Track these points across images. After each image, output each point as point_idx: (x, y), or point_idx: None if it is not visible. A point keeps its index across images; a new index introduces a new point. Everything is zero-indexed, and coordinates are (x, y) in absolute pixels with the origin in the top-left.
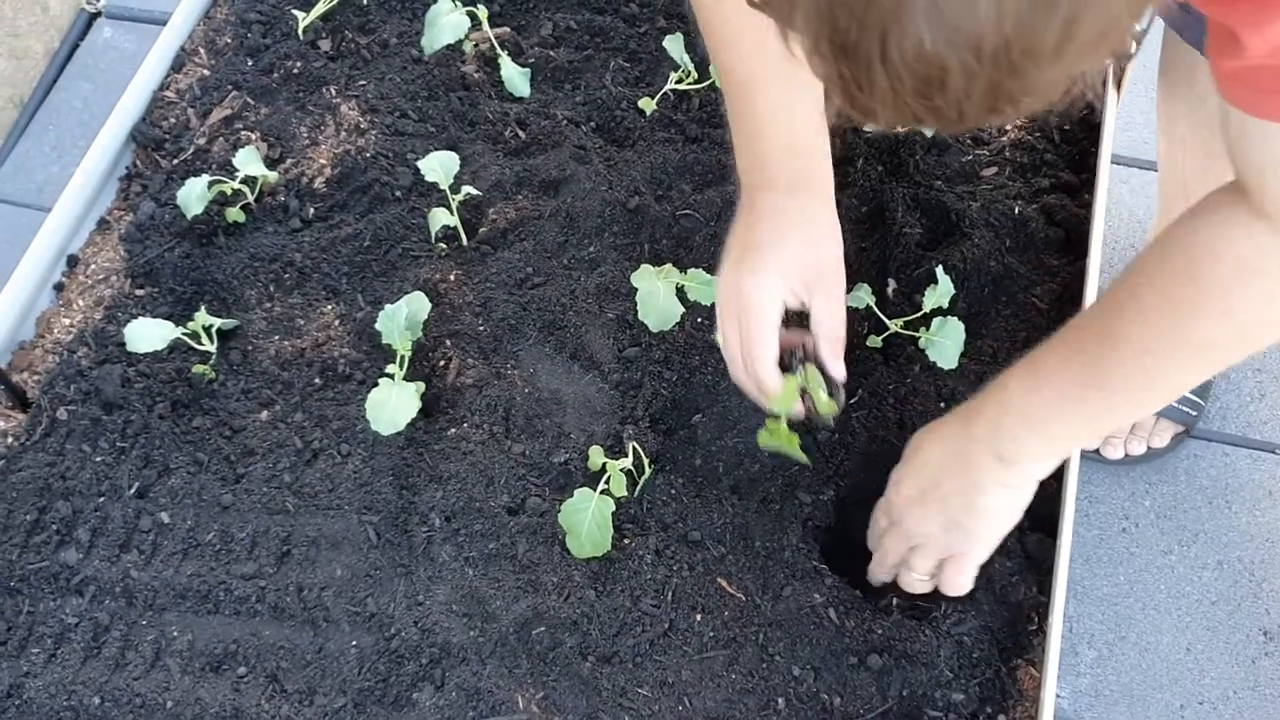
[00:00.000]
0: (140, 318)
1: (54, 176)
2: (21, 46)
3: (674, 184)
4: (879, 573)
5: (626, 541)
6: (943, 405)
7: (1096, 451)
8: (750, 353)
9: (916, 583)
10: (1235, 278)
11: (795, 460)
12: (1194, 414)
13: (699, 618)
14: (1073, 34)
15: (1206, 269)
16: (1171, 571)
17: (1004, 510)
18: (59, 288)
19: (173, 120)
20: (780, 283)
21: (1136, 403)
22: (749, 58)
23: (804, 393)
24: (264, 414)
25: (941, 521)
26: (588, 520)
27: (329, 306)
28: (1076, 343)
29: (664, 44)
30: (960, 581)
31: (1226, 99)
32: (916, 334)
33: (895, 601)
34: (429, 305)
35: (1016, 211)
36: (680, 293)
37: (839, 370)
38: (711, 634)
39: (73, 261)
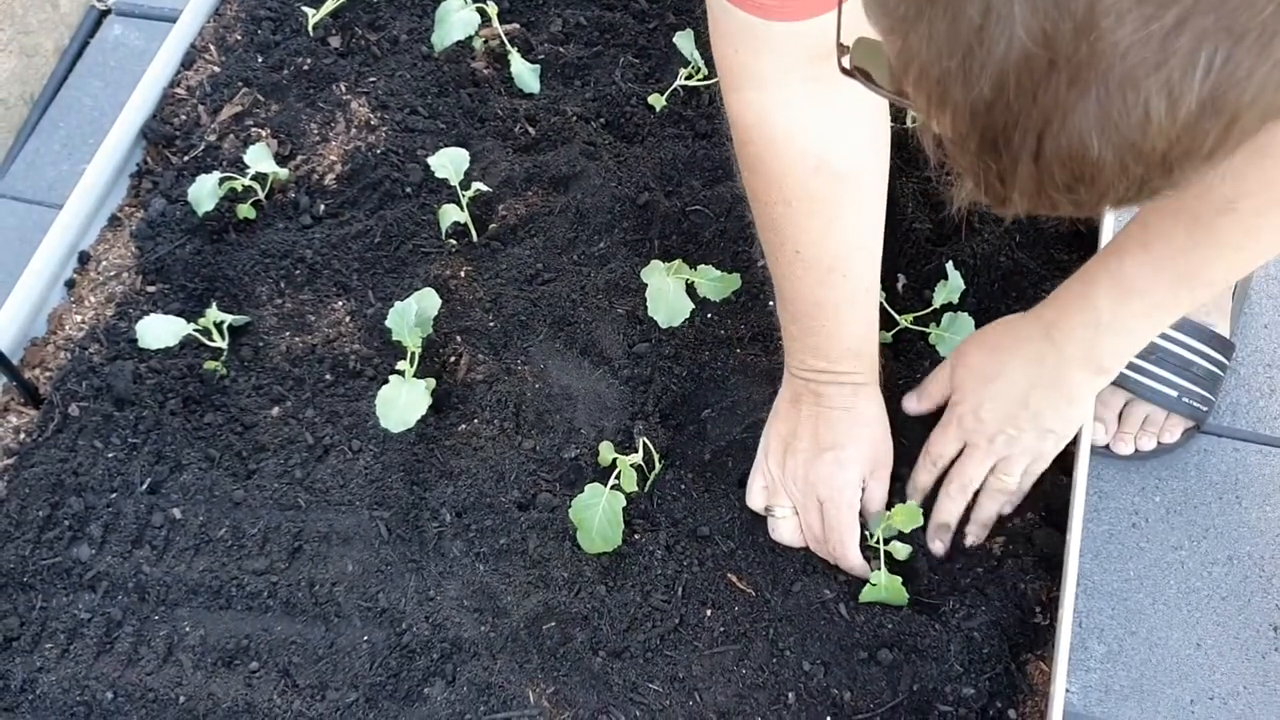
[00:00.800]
0: (152, 314)
1: (64, 174)
2: (32, 44)
3: (683, 180)
4: (952, 507)
5: (637, 537)
6: None
7: (1106, 447)
8: (842, 539)
9: (999, 495)
10: None
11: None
12: (1204, 409)
13: (709, 613)
14: (1230, 135)
15: None
16: (1182, 567)
17: (1090, 404)
18: (70, 284)
19: (183, 117)
20: (859, 475)
21: (1229, 281)
22: (824, 273)
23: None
24: (275, 410)
25: (1035, 433)
26: (598, 515)
27: (339, 303)
28: (1164, 249)
29: (674, 40)
30: (1042, 469)
31: None
32: (926, 329)
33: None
34: (439, 302)
35: None
36: (690, 289)
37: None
38: (722, 629)
39: (84, 258)
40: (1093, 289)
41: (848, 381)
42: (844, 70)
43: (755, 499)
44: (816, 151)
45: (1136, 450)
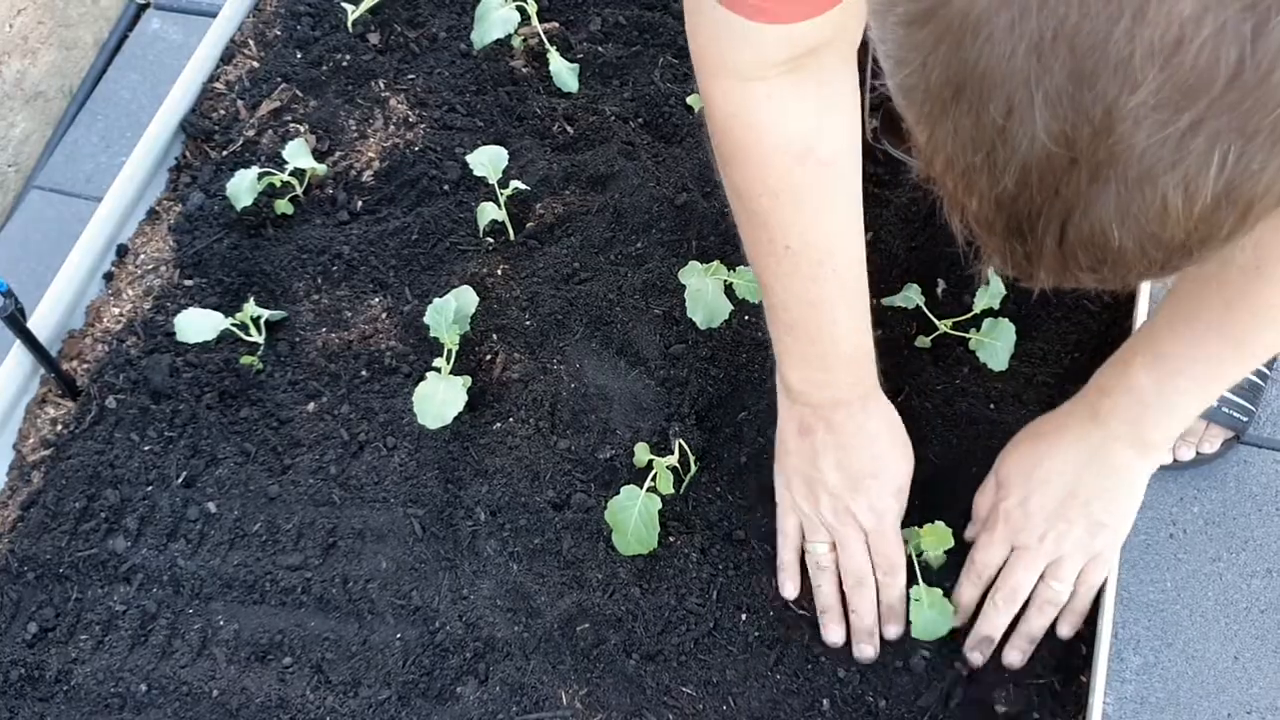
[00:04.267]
0: (189, 308)
1: (102, 166)
2: (71, 37)
3: (721, 180)
4: (997, 619)
5: (672, 539)
6: (991, 406)
7: None
8: (895, 566)
9: (1048, 608)
10: None
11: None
12: (1244, 419)
13: (744, 617)
14: (1245, 221)
15: None
16: (1220, 579)
17: (1142, 493)
18: (109, 277)
19: (222, 112)
20: (900, 498)
21: (1271, 353)
22: (812, 271)
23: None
24: (311, 405)
25: (1086, 526)
26: (634, 518)
27: (376, 299)
28: (1200, 320)
29: None
30: (1101, 577)
31: None
32: (966, 335)
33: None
34: (476, 299)
35: None
36: (728, 290)
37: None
38: (756, 634)
39: (122, 251)
40: (1132, 369)
41: (853, 397)
42: (874, 138)
43: (790, 544)
44: (801, 139)
45: (1175, 460)
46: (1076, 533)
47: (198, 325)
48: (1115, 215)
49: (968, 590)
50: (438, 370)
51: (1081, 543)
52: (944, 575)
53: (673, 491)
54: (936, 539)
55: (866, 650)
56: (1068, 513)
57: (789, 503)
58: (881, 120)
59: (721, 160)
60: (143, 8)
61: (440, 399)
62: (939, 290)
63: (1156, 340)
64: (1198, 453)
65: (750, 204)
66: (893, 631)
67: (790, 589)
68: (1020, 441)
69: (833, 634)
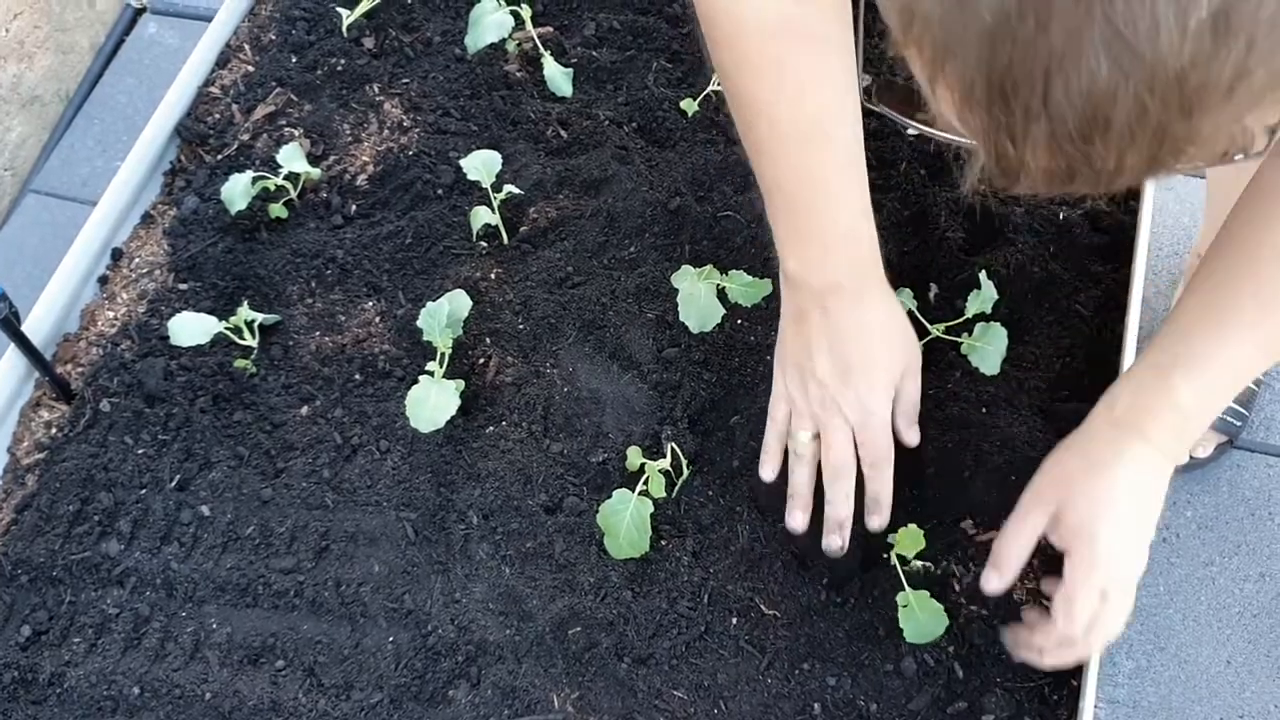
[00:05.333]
0: (183, 312)
1: (98, 170)
2: (68, 41)
3: (715, 185)
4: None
5: (664, 543)
6: (983, 410)
7: None
8: (878, 461)
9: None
10: None
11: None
12: (1238, 424)
13: (735, 621)
14: (1248, 68)
15: None
16: (1213, 583)
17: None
18: (103, 281)
19: (217, 116)
20: (886, 390)
21: None
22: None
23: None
24: (304, 409)
25: (1140, 551)
26: (626, 521)
27: (370, 303)
28: (1235, 320)
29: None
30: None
31: None
32: (958, 339)
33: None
34: (470, 303)
35: (1060, 217)
36: (721, 294)
37: (913, 436)
38: (747, 638)
39: (117, 255)
40: (1173, 383)
41: (849, 283)
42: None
43: (776, 430)
44: (777, 12)
45: None
46: (1138, 563)
47: (191, 329)
48: (1102, 42)
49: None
50: (431, 374)
51: (1138, 567)
52: (931, 579)
53: (665, 495)
54: (910, 542)
55: (834, 541)
56: (1140, 544)
57: (781, 390)
58: (876, 86)
59: (705, 37)
60: (139, 12)
61: (433, 403)
62: (931, 295)
63: (1192, 346)
64: (1191, 457)
65: (734, 84)
66: (875, 523)
67: (768, 471)
68: (1077, 475)
69: (795, 520)
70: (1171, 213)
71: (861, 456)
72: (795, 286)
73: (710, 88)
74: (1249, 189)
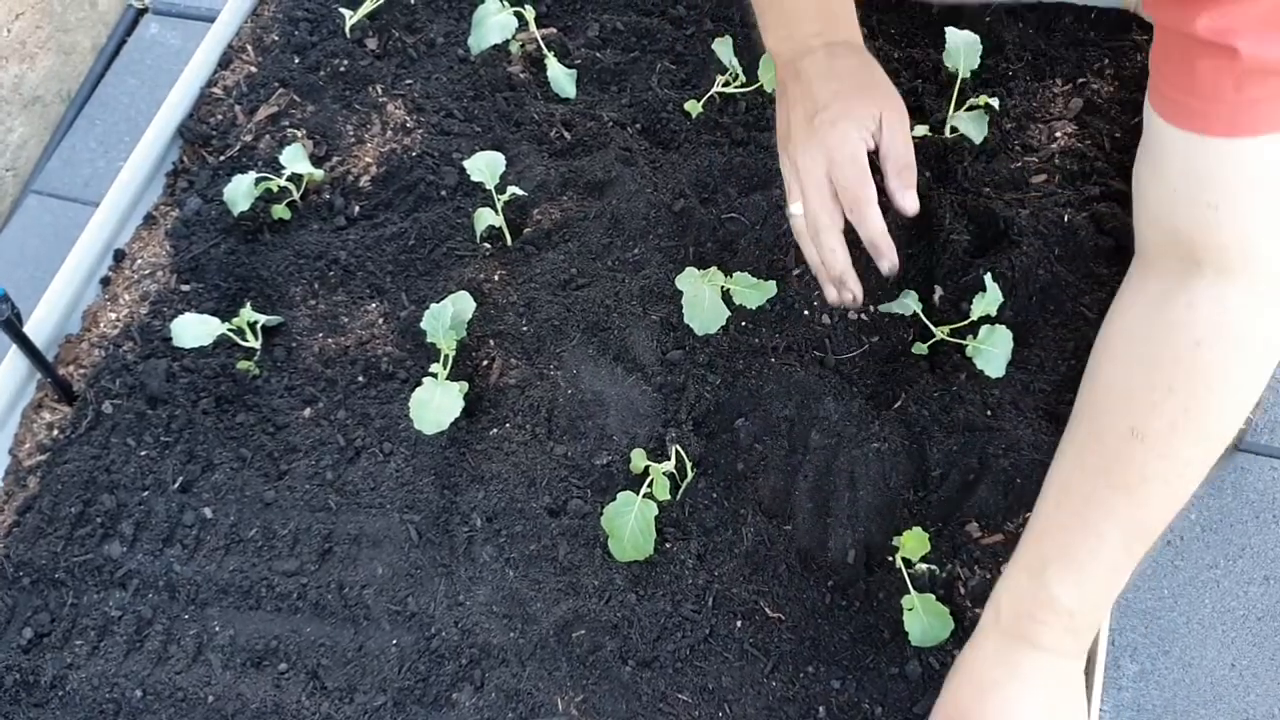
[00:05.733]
0: (186, 313)
1: (100, 171)
2: (70, 41)
3: (719, 187)
4: None
5: (668, 545)
6: (989, 413)
7: None
8: (858, 198)
9: None
10: (1236, 355)
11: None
12: (1242, 426)
13: (739, 624)
14: None
15: (1205, 365)
16: (1217, 586)
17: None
18: (105, 282)
19: (220, 117)
20: (858, 129)
21: (1170, 519)
22: None
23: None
24: (307, 411)
25: None
26: (630, 524)
27: (373, 305)
28: (1094, 517)
29: (713, 47)
30: None
31: (1172, 120)
32: (963, 342)
33: None
34: (474, 305)
35: (1066, 220)
36: (725, 296)
37: (910, 202)
38: (752, 641)
39: (119, 256)
40: (1053, 590)
41: (819, 45)
42: None
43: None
44: None
45: None
46: None
47: (194, 330)
48: None
49: None
50: (434, 376)
51: None
52: (937, 582)
53: (669, 498)
54: (915, 545)
55: (830, 293)
56: None
57: (782, 160)
58: None
59: None
60: (140, 13)
61: (437, 405)
62: (936, 298)
63: (1058, 542)
64: None
65: None
66: (885, 265)
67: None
68: (972, 707)
69: (829, 294)
70: None
71: (841, 201)
72: (777, 64)
73: (715, 89)
74: (1105, 333)
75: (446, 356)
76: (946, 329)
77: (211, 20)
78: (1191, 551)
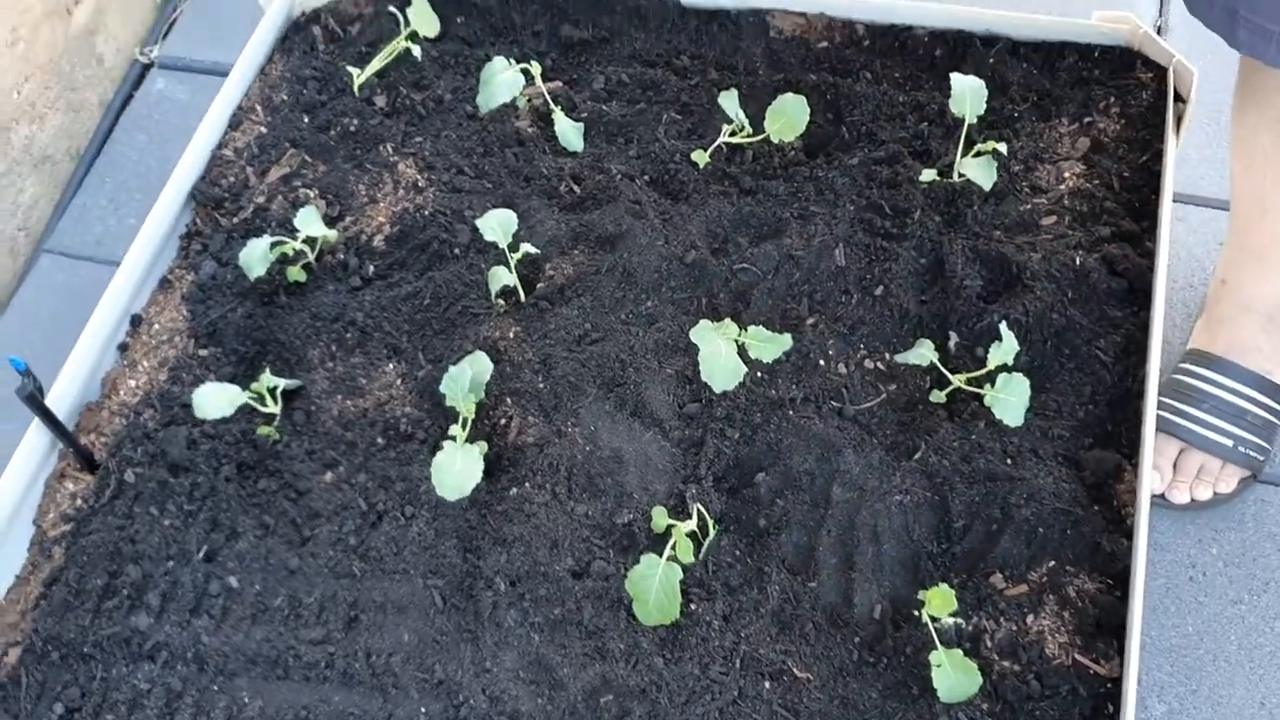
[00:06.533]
0: (206, 381)
1: (111, 229)
2: (78, 99)
3: (730, 237)
4: None
5: (693, 606)
6: (1009, 462)
7: (1162, 496)
8: None
9: None
10: None
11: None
12: (1261, 459)
13: (768, 685)
14: None
15: None
16: (1242, 621)
17: None
18: (123, 348)
19: (231, 179)
20: None
21: None
22: None
23: None
24: (328, 475)
25: None
26: (655, 588)
27: (390, 365)
28: None
29: (719, 100)
30: None
31: None
32: (980, 391)
33: None
34: (491, 366)
35: (1078, 262)
36: (741, 350)
37: None
38: (781, 702)
39: (136, 321)
40: None
41: None
42: None
43: None
44: None
45: (1192, 500)
46: None
47: (215, 400)
48: None
49: None
50: (454, 439)
51: None
52: (964, 636)
53: (693, 559)
54: (941, 602)
55: None
56: None
57: None
58: None
59: None
60: (147, 67)
61: (459, 470)
62: (951, 344)
63: None
64: (1215, 492)
65: None
66: None
67: None
68: None
69: None
70: (1184, 244)
71: None
72: None
73: (721, 139)
74: None
75: (466, 419)
76: (964, 377)
77: (219, 74)
78: (1215, 587)
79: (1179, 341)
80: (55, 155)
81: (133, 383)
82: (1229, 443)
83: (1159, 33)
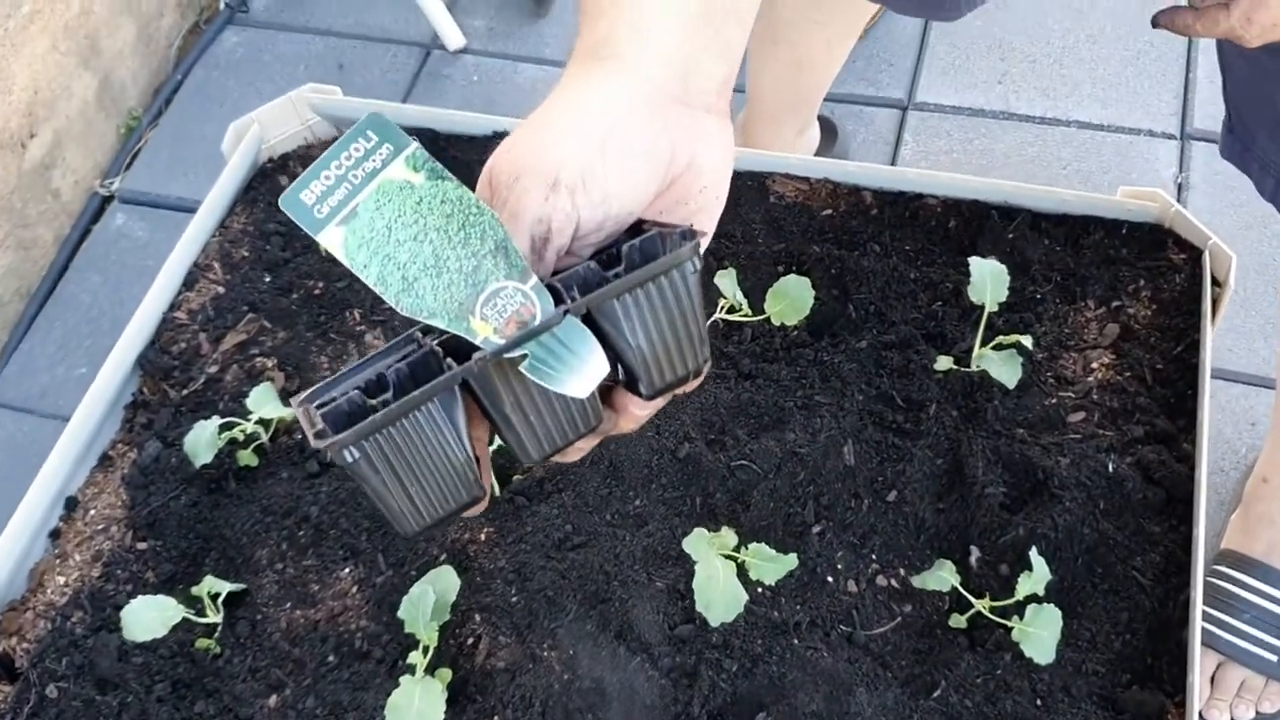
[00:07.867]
0: (143, 577)
1: (58, 379)
2: (30, 236)
3: (727, 428)
4: None
5: None
6: (1039, 703)
7: (1200, 716)
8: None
9: None
10: None
11: None
12: None
13: None
14: None
15: None
16: None
17: None
18: (55, 535)
19: (183, 345)
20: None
21: None
22: None
23: None
24: (272, 699)
25: None
26: None
27: (346, 569)
28: None
29: (715, 281)
30: None
31: None
32: (1007, 622)
33: None
34: (458, 583)
35: (1110, 468)
36: (741, 571)
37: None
38: None
39: (71, 504)
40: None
41: (582, 53)
42: None
43: None
44: None
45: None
46: None
47: (146, 620)
48: None
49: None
50: (413, 668)
51: None
52: None
53: None
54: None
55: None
56: None
57: None
58: None
59: None
60: (106, 200)
61: (416, 710)
62: (973, 559)
63: None
64: (1258, 711)
65: None
66: None
67: None
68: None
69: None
70: (1213, 423)
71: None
72: None
73: (717, 315)
74: None
75: (426, 648)
76: (987, 603)
77: (182, 210)
78: None
79: (1211, 533)
80: (3, 296)
81: (61, 579)
82: (1274, 658)
83: (1180, 190)
